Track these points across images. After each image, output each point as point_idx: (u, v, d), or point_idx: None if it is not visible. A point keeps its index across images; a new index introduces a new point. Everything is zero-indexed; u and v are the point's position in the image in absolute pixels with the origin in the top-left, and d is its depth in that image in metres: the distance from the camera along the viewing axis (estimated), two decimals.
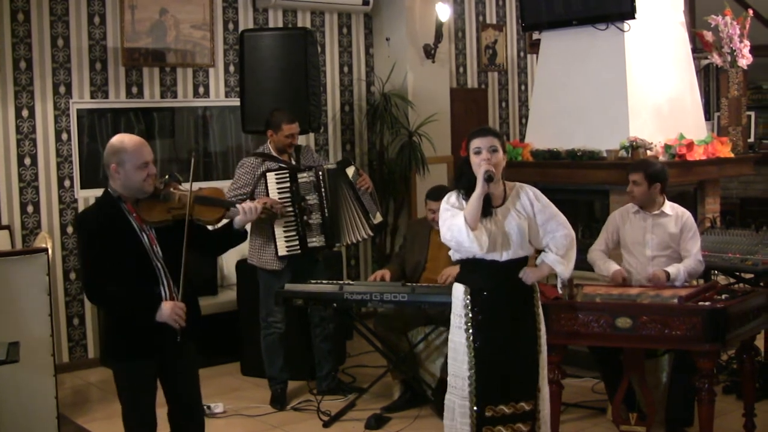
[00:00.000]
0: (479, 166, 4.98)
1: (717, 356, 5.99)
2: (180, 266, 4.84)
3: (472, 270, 5.17)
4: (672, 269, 6.41)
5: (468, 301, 5.14)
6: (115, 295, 4.78)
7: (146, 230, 4.84)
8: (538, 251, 5.29)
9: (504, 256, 5.09)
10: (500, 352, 5.12)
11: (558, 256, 5.16)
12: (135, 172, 4.77)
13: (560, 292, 5.59)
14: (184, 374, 5.07)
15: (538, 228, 5.15)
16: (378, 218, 7.48)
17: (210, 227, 5.15)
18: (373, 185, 7.59)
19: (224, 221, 5.21)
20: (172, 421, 5.10)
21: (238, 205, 5.16)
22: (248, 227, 5.39)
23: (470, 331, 5.12)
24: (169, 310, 4.76)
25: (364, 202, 7.37)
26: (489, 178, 4.91)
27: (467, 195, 5.06)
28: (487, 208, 5.05)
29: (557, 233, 5.16)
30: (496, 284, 5.14)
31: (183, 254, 4.82)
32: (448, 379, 5.27)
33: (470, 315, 5.13)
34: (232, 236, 5.22)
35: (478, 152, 5.02)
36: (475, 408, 5.10)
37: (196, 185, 5.11)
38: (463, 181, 5.12)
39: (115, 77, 8.78)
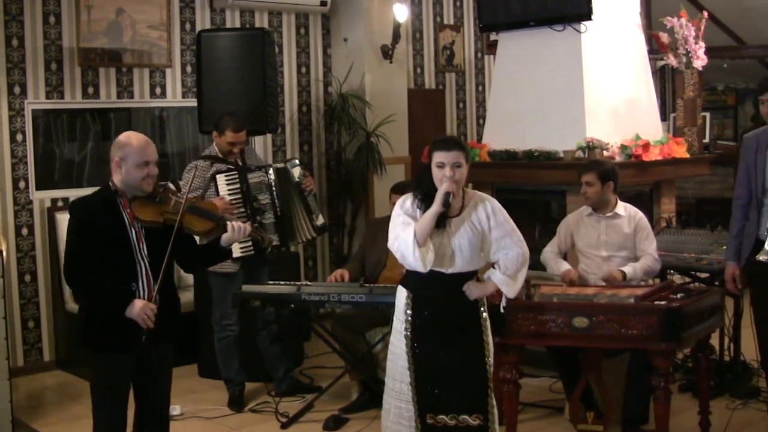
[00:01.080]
0: (441, 181, 4.90)
1: (673, 355, 6.06)
2: (161, 268, 4.88)
3: (415, 276, 5.07)
4: (628, 269, 6.46)
5: (409, 308, 5.09)
6: (92, 282, 4.82)
7: (135, 227, 4.88)
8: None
9: (450, 269, 5.01)
10: (441, 363, 5.04)
11: (506, 276, 5.05)
12: (135, 169, 4.83)
13: (502, 311, 5.47)
14: (158, 378, 5.08)
15: (491, 242, 5.06)
16: (320, 220, 7.48)
17: (198, 239, 5.19)
18: (330, 186, 7.58)
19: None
20: (138, 422, 5.11)
21: (228, 223, 5.14)
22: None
23: (410, 337, 5.07)
24: (139, 307, 4.77)
25: (308, 203, 7.37)
26: (446, 203, 4.84)
27: (423, 202, 4.98)
28: (442, 220, 4.95)
29: (510, 252, 5.04)
30: (439, 295, 5.06)
31: (166, 257, 4.85)
32: (386, 381, 5.23)
33: (410, 320, 5.07)
34: (218, 253, 5.22)
35: (441, 166, 4.92)
36: (417, 414, 5.05)
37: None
38: (422, 188, 5.02)
39: (71, 77, 8.72)
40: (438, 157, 4.95)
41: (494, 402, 5.14)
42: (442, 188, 4.87)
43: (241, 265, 7.20)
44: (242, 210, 7.11)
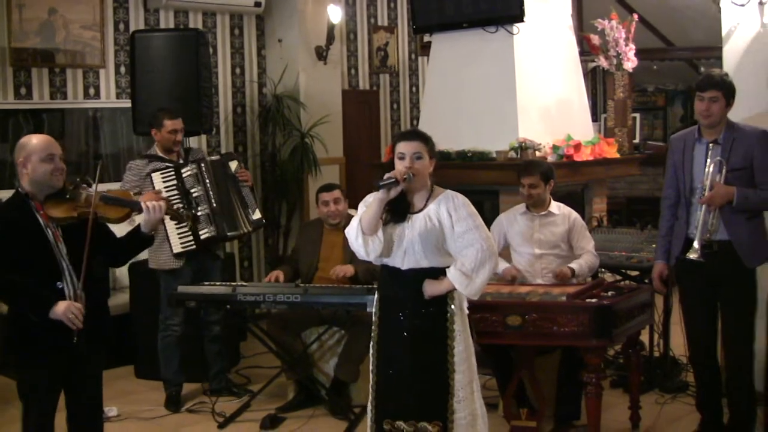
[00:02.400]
0: None
1: (604, 351, 6.16)
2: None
3: (382, 276, 5.04)
4: (575, 265, 6.54)
5: (377, 309, 5.03)
6: (16, 287, 4.75)
7: (52, 227, 4.83)
8: None
9: (405, 264, 4.87)
10: (399, 365, 4.92)
11: (460, 272, 4.77)
12: (40, 165, 4.78)
13: (467, 311, 5.16)
14: (90, 380, 5.04)
15: (454, 239, 4.84)
16: (257, 214, 7.48)
17: (115, 230, 5.14)
18: (265, 187, 7.58)
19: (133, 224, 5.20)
20: (70, 426, 5.05)
21: (142, 204, 5.11)
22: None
23: (376, 339, 5.01)
24: (63, 308, 4.70)
25: (244, 196, 7.39)
26: (382, 186, 4.70)
27: None
28: (402, 215, 4.87)
29: (471, 248, 4.79)
30: (398, 293, 4.92)
31: (85, 251, 4.79)
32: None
33: (378, 322, 5.01)
34: (139, 240, 5.17)
35: (401, 158, 4.81)
36: (373, 419, 5.00)
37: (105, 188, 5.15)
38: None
39: (3, 78, 8.63)
40: (399, 148, 4.86)
41: (464, 412, 4.95)
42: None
43: (188, 262, 7.22)
44: (179, 205, 7.10)
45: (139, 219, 5.18)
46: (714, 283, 5.84)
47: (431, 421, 4.88)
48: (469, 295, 4.91)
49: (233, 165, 7.41)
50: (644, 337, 7.05)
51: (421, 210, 4.89)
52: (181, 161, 7.30)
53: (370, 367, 5.06)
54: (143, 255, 8.00)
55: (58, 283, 4.80)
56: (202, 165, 7.25)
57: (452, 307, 4.92)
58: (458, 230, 4.83)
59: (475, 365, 5.04)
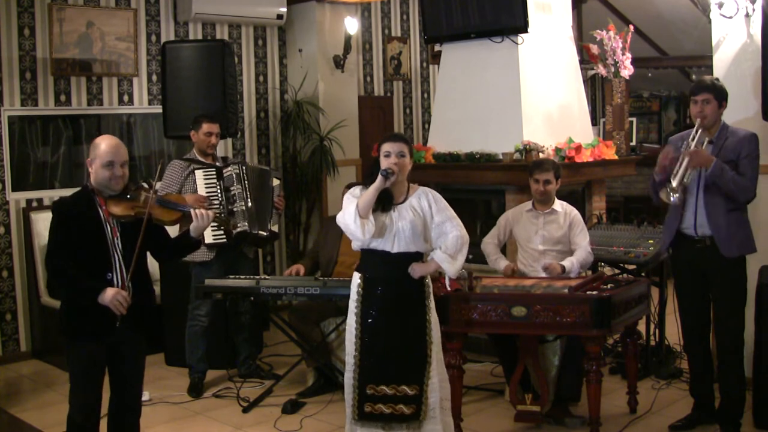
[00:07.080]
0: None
1: (603, 340, 6.12)
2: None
3: (366, 259, 5.25)
4: (566, 263, 6.51)
5: (360, 288, 5.22)
6: (69, 271, 4.79)
7: (111, 223, 4.90)
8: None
9: (395, 248, 5.14)
10: (385, 337, 5.15)
11: (446, 255, 5.15)
12: (101, 170, 4.87)
13: (448, 288, 5.60)
14: (131, 367, 5.07)
15: (433, 227, 5.19)
16: (275, 228, 7.52)
17: (169, 230, 5.21)
18: (286, 187, 7.59)
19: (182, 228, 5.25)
20: (110, 407, 5.10)
21: (192, 211, 5.12)
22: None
23: (359, 314, 5.19)
24: (111, 294, 4.76)
25: (272, 210, 7.42)
26: (386, 175, 5.01)
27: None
28: (388, 204, 5.14)
29: (450, 234, 5.17)
30: (387, 274, 5.18)
31: (137, 247, 4.87)
32: (346, 358, 5.31)
33: (361, 300, 5.20)
34: (187, 243, 5.21)
35: (387, 155, 5.12)
36: (356, 384, 5.18)
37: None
38: (372, 179, 5.15)
39: (44, 86, 8.63)
40: (385, 147, 5.18)
41: (436, 378, 5.19)
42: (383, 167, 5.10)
43: (218, 255, 7.22)
44: (217, 201, 7.14)
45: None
46: (705, 276, 5.82)
47: (410, 385, 5.13)
48: (451, 274, 5.27)
49: (275, 182, 7.52)
50: (641, 326, 7.00)
51: (402, 202, 5.19)
52: (217, 164, 7.31)
53: (351, 339, 5.23)
54: None
55: (108, 274, 4.85)
56: (244, 167, 7.30)
57: (429, 286, 5.26)
58: (437, 220, 5.21)
59: (440, 335, 5.33)
